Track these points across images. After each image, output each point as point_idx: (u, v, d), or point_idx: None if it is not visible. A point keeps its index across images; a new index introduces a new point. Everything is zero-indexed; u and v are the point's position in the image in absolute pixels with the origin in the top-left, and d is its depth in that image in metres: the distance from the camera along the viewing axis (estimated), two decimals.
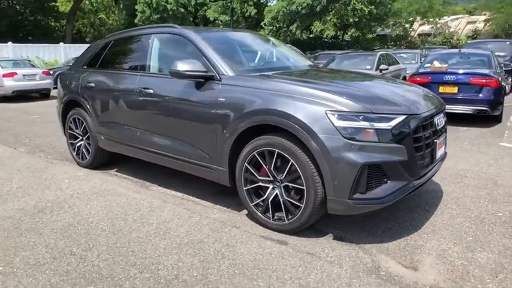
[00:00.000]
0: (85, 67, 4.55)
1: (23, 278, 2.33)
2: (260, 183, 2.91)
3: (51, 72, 13.87)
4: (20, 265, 2.47)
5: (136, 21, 31.02)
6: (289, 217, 2.77)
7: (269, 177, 2.86)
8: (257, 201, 2.95)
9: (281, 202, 2.80)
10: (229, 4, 28.90)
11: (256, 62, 3.75)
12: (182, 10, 28.29)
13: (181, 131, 3.33)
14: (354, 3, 23.79)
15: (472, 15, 26.38)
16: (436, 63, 6.82)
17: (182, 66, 3.09)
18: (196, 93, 3.17)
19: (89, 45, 5.01)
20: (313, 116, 2.52)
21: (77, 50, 23.02)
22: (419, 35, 28.40)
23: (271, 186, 2.87)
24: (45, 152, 5.51)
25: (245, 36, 4.20)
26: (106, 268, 2.42)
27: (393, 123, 2.50)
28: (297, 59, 4.13)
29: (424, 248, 2.65)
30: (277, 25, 27.17)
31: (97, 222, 3.08)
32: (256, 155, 2.84)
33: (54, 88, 14.24)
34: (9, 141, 6.27)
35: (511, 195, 3.55)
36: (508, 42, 11.68)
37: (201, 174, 3.35)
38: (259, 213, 2.93)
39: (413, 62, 12.18)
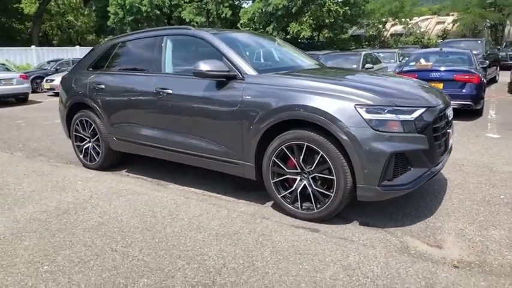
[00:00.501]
0: (91, 69, 4.54)
1: (72, 274, 2.37)
2: (288, 176, 3.06)
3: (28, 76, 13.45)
4: (64, 263, 2.50)
5: (109, 23, 30.42)
6: (318, 206, 2.94)
7: (297, 169, 3.01)
8: (284, 193, 3.10)
9: (310, 192, 2.96)
10: (204, 5, 28.88)
11: (272, 61, 3.90)
12: (157, 12, 27.97)
13: (205, 129, 3.42)
14: (328, 5, 24.40)
15: (440, 15, 27.66)
16: (422, 61, 7.21)
17: (205, 66, 3.20)
18: (219, 93, 3.28)
19: (91, 48, 4.99)
20: (343, 110, 2.70)
21: (50, 53, 22.42)
22: (391, 35, 29.46)
23: (298, 178, 3.03)
24: (44, 156, 5.43)
25: (255, 37, 4.34)
26: (152, 262, 2.49)
27: (415, 114, 2.71)
28: (306, 59, 4.31)
29: (443, 228, 2.89)
30: (254, 26, 27.42)
31: (127, 220, 3.13)
32: (285, 149, 2.99)
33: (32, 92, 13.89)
34: (2, 147, 6.11)
35: (507, 180, 3.87)
36: (479, 41, 12.40)
37: (225, 170, 3.46)
38: (288, 204, 3.08)
39: (392, 61, 12.69)
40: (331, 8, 24.61)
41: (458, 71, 6.78)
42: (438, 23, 28.24)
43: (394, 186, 2.72)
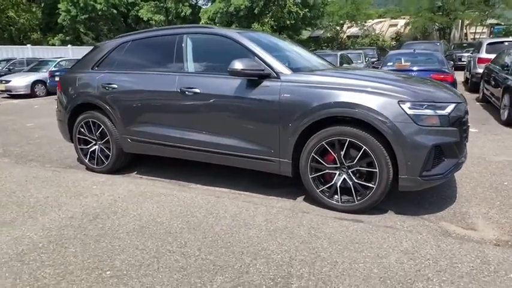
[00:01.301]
0: (96, 68, 4.36)
1: (141, 278, 2.32)
2: (327, 171, 3.19)
3: None
4: (125, 267, 2.43)
5: (59, 20, 28.75)
6: (359, 198, 3.10)
7: (336, 164, 3.15)
8: (323, 188, 3.22)
9: (351, 185, 3.10)
10: (162, 4, 28.26)
11: (296, 60, 3.99)
12: (113, 11, 26.90)
13: (238, 127, 3.44)
14: (289, 6, 24.95)
15: (393, 18, 29.40)
16: (400, 62, 7.68)
17: (240, 65, 3.24)
18: (253, 91, 3.33)
19: (93, 46, 4.77)
20: (388, 106, 2.88)
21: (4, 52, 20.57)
22: (348, 36, 30.73)
23: (337, 172, 3.16)
24: (37, 161, 5.11)
25: (270, 37, 4.42)
26: (218, 260, 2.49)
27: (448, 109, 2.95)
28: (318, 58, 4.46)
29: (469, 213, 3.17)
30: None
31: (168, 222, 3.08)
32: (325, 145, 3.11)
33: None
34: None
35: (503, 168, 4.29)
36: (438, 43, 13.39)
37: (258, 168, 3.51)
38: (327, 198, 3.21)
39: (359, 61, 13.29)
40: (292, 10, 25.20)
41: (434, 71, 7.31)
42: (391, 25, 30.00)
43: (432, 176, 2.94)
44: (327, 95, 3.05)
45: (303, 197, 3.58)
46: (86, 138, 4.44)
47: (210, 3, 29.59)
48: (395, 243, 2.66)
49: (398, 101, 2.88)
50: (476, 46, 12.38)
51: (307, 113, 3.10)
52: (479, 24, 24.21)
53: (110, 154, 4.30)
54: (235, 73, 3.27)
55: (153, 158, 4.69)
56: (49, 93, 13.80)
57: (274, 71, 3.30)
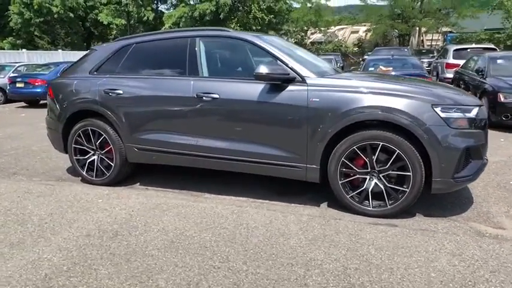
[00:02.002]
0: (95, 73, 4.06)
1: None
2: (357, 176, 3.16)
3: None
4: (171, 286, 2.24)
5: (12, 24, 26.91)
6: (391, 202, 3.09)
7: (366, 168, 3.13)
8: (352, 194, 3.18)
9: (383, 190, 3.09)
10: (124, 8, 27.37)
11: (315, 64, 3.92)
12: (71, 14, 25.59)
13: (261, 134, 3.33)
14: (255, 12, 25.10)
15: (354, 25, 30.48)
16: (383, 67, 7.92)
17: (266, 69, 3.14)
18: (279, 96, 3.23)
19: (89, 49, 4.44)
20: (421, 110, 2.90)
21: None
22: (312, 42, 31.43)
23: (368, 177, 3.14)
24: (21, 175, 4.66)
25: (284, 41, 4.35)
26: (270, 273, 2.37)
27: (474, 112, 3.03)
28: (325, 62, 4.45)
29: (492, 212, 3.27)
30: None
31: (198, 235, 2.90)
32: (357, 150, 3.08)
33: None
34: None
35: (501, 168, 4.50)
36: (405, 49, 14.01)
37: (282, 174, 3.41)
38: (357, 204, 3.17)
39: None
40: (257, 15, 25.36)
41: (415, 75, 7.61)
42: (352, 32, 31.08)
43: (462, 178, 3.00)
44: (359, 99, 3.02)
45: (326, 203, 3.53)
46: (84, 148, 4.11)
47: (172, 8, 29.08)
48: (439, 245, 2.67)
49: (432, 105, 2.92)
50: (441, 52, 13.09)
51: (338, 118, 3.05)
52: (434, 31, 25.80)
53: (113, 164, 4.01)
54: (262, 77, 3.16)
55: (152, 168, 4.47)
56: (8, 100, 12.82)
57: (299, 75, 3.24)
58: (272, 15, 25.79)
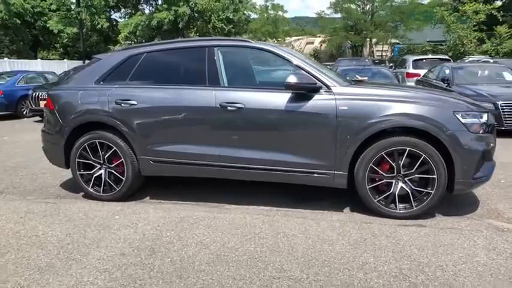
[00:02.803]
0: (102, 83, 3.86)
1: None
2: (385, 180, 3.29)
3: None
4: None
5: None
6: (416, 204, 3.26)
7: (392, 173, 3.28)
8: (379, 198, 3.31)
9: (409, 193, 3.25)
10: (76, 15, 26.08)
11: (333, 73, 4.01)
12: (17, 20, 23.87)
13: (289, 142, 3.37)
14: (214, 22, 25.14)
15: (309, 36, 31.56)
16: (359, 76, 8.30)
17: (295, 78, 3.21)
18: (306, 105, 3.30)
19: (92, 58, 4.19)
20: (445, 116, 3.11)
21: None
22: None
23: (394, 181, 3.29)
24: (11, 193, 4.31)
25: (296, 51, 4.43)
26: (332, 279, 2.39)
27: (485, 118, 3.30)
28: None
29: (499, 209, 3.57)
30: (136, 40, 26.15)
31: (240, 247, 2.84)
32: (384, 155, 3.22)
33: None
34: None
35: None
36: (366, 60, 14.76)
37: (310, 182, 3.47)
38: (384, 207, 3.31)
39: None
40: (217, 25, 25.43)
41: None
42: (308, 43, 32.15)
43: (480, 178, 3.25)
44: (387, 107, 3.17)
45: (348, 208, 3.64)
46: (89, 162, 3.88)
47: (127, 17, 28.24)
48: (471, 242, 2.86)
49: (453, 111, 3.14)
50: (399, 62, 13.98)
51: (367, 125, 3.18)
52: (384, 43, 27.51)
53: (124, 178, 3.82)
54: (291, 87, 3.22)
55: (158, 182, 4.33)
56: None
57: (325, 85, 3.33)
58: (231, 26, 26.00)
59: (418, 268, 2.51)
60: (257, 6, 29.11)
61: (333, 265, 2.56)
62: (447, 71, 8.49)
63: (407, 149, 3.17)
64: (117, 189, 3.86)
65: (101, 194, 3.91)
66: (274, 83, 3.73)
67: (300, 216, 3.44)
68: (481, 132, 3.21)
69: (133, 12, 28.05)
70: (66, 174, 4.97)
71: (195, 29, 25.21)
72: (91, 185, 3.92)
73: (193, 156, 3.60)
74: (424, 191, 3.24)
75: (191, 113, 3.55)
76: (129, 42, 26.15)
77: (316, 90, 3.31)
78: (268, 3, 29.35)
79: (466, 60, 13.76)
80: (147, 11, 28.12)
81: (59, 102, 3.92)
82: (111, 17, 29.79)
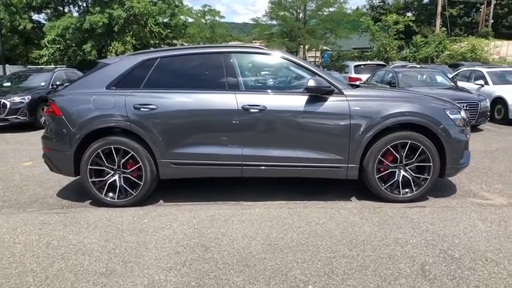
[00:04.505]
0: (113, 88, 3.83)
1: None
2: (390, 170, 3.80)
3: None
4: (308, 277, 2.48)
5: None
6: (415, 188, 3.82)
7: (396, 163, 3.80)
8: (386, 186, 3.81)
9: (410, 179, 3.80)
10: None
11: (337, 77, 4.41)
12: None
13: (309, 140, 3.71)
14: (151, 26, 24.54)
15: (251, 42, 32.20)
16: None
17: (314, 82, 3.59)
18: (324, 106, 3.68)
19: (97, 63, 4.08)
20: (438, 113, 3.72)
21: None
22: None
23: (396, 171, 3.82)
24: (6, 207, 4.01)
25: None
26: (393, 255, 2.78)
27: (463, 113, 3.98)
28: None
29: (472, 190, 4.31)
30: (65, 44, 24.47)
31: (285, 236, 3.10)
32: (390, 148, 3.73)
33: None
34: None
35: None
36: None
37: (326, 175, 3.85)
38: (389, 193, 3.82)
39: None
40: (154, 29, 24.85)
41: None
42: None
43: (463, 164, 3.91)
44: (393, 106, 3.68)
45: (354, 197, 4.09)
46: (103, 168, 3.82)
47: (54, 18, 26.21)
48: (467, 216, 3.46)
49: (444, 109, 3.76)
50: (339, 67, 15.14)
51: (376, 122, 3.65)
52: (316, 49, 29.32)
53: (141, 183, 3.83)
54: (312, 90, 3.58)
55: (164, 185, 4.39)
56: None
57: (337, 88, 3.74)
58: (169, 30, 25.61)
59: (439, 238, 3.02)
60: (193, 11, 29.22)
61: (373, 243, 2.96)
62: (390, 75, 9.55)
63: (409, 141, 3.72)
64: (134, 194, 3.86)
65: (116, 200, 3.87)
66: (289, 87, 4.06)
67: (319, 206, 3.79)
68: (462, 125, 3.87)
69: (58, 14, 26.15)
70: (53, 184, 4.79)
71: (131, 33, 24.34)
72: (104, 192, 3.86)
73: (215, 157, 3.76)
74: (421, 177, 3.82)
75: (214, 116, 3.71)
76: (58, 46, 24.39)
77: (330, 92, 3.71)
78: (205, 9, 29.52)
79: (391, 66, 15.40)
80: (75, 14, 26.44)
81: (67, 108, 3.79)
82: (36, 19, 27.46)
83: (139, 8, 23.17)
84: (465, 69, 11.82)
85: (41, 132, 4.17)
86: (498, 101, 9.03)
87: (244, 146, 3.75)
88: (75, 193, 4.44)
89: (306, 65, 3.87)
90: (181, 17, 27.48)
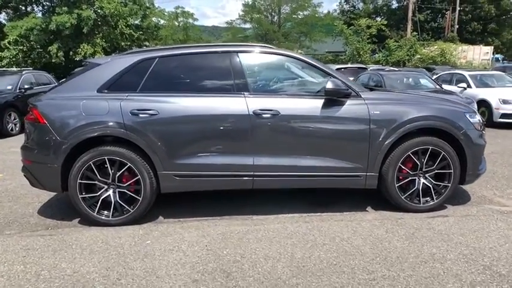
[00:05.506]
0: (106, 91, 3.39)
1: None
2: (410, 178, 3.58)
3: None
4: None
5: None
6: (436, 197, 3.62)
7: (415, 170, 3.58)
8: (404, 195, 3.58)
9: (431, 187, 3.59)
10: None
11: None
12: None
13: (327, 147, 3.42)
14: (121, 28, 23.63)
15: None
16: None
17: (333, 85, 3.32)
18: (342, 110, 3.40)
19: (85, 63, 3.59)
20: (460, 117, 3.53)
21: None
22: None
23: (417, 178, 3.60)
24: None
25: None
26: (436, 274, 2.53)
27: (478, 117, 3.83)
28: None
29: (487, 196, 4.17)
30: (29, 45, 23.10)
31: (311, 256, 2.80)
32: (411, 155, 3.50)
33: None
34: None
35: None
36: None
37: (343, 185, 3.58)
38: (410, 202, 3.59)
39: None
40: (125, 31, 23.94)
41: None
42: None
43: (480, 170, 3.75)
44: (412, 111, 3.46)
45: (369, 207, 3.84)
46: (95, 183, 3.37)
47: (16, 18, 24.70)
48: (494, 225, 3.28)
49: (464, 112, 3.59)
50: None
51: (397, 127, 3.41)
52: None
53: (139, 198, 3.40)
54: (331, 93, 3.31)
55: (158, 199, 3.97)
56: None
57: (354, 90, 3.48)
58: (141, 32, 24.74)
59: (476, 252, 2.80)
60: (166, 13, 28.40)
61: (409, 260, 2.71)
62: (378, 78, 9.51)
63: (430, 147, 3.51)
64: (131, 211, 3.42)
65: (110, 218, 3.42)
66: (303, 90, 3.76)
67: (337, 219, 3.51)
68: (480, 129, 3.72)
69: (20, 14, 24.68)
70: (31, 199, 4.27)
71: (101, 34, 23.29)
72: (97, 209, 3.40)
73: (223, 167, 3.40)
74: (441, 185, 3.62)
75: (222, 122, 3.35)
76: (21, 47, 23.00)
77: (348, 95, 3.44)
78: (178, 10, 28.80)
79: (369, 69, 15.54)
80: (39, 14, 25.08)
81: (52, 114, 3.31)
82: None
83: (109, 9, 22.20)
84: (447, 72, 12.02)
85: (9, 140, 3.68)
86: (482, 104, 9.16)
87: (255, 155, 3.40)
88: (59, 210, 3.94)
89: (320, 66, 3.59)
90: (154, 18, 26.66)
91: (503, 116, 8.87)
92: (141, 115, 3.29)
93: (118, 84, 3.42)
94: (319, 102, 3.42)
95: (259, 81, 3.61)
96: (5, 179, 5.17)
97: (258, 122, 3.35)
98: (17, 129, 8.91)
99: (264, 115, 3.35)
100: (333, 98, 3.41)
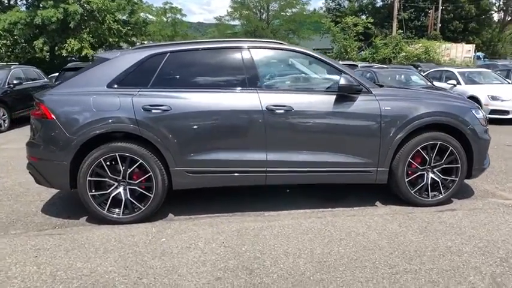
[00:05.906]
0: (116, 86, 3.32)
1: None
2: (419, 172, 3.63)
3: None
4: None
5: None
6: (444, 191, 3.68)
7: (424, 165, 3.63)
8: (415, 189, 3.62)
9: (439, 182, 3.65)
10: None
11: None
12: None
13: (340, 142, 3.44)
14: (109, 23, 23.19)
15: None
16: None
17: (346, 81, 3.33)
18: (354, 106, 3.42)
19: (96, 58, 3.50)
20: (467, 113, 3.60)
21: None
22: None
23: (425, 173, 3.65)
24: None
25: None
26: (456, 267, 2.57)
27: (482, 112, 3.91)
28: None
29: (488, 190, 4.26)
30: (13, 40, 22.45)
31: (331, 251, 2.81)
32: (420, 150, 3.55)
33: None
34: None
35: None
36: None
37: (355, 180, 3.61)
38: (419, 196, 3.64)
39: None
40: (112, 27, 23.50)
41: None
42: None
43: (485, 165, 3.83)
44: (422, 106, 3.50)
45: (378, 202, 3.88)
46: (105, 180, 3.30)
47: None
48: (503, 218, 3.35)
49: (470, 108, 3.65)
50: None
51: (407, 123, 3.45)
52: None
53: (151, 195, 3.35)
54: (343, 88, 3.32)
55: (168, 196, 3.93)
56: None
57: (365, 87, 3.50)
58: (128, 27, 24.33)
59: (491, 244, 2.86)
60: (154, 9, 28.00)
61: (427, 253, 2.74)
62: (370, 75, 9.60)
63: (439, 143, 3.56)
64: (142, 208, 3.36)
65: (121, 216, 3.35)
66: (315, 86, 3.77)
67: (349, 214, 3.53)
68: (485, 124, 3.79)
69: (2, 7, 23.94)
70: (32, 198, 4.17)
71: (88, 29, 22.79)
72: (107, 207, 3.33)
73: (237, 163, 3.37)
74: (448, 179, 3.68)
75: (236, 117, 3.33)
76: (4, 41, 22.34)
77: (359, 91, 3.46)
78: (166, 6, 28.39)
79: (359, 66, 15.70)
80: (23, 8, 24.38)
81: (61, 109, 3.22)
82: None
83: (97, 4, 21.74)
84: (435, 69, 12.24)
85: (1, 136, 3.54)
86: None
87: (268, 151, 3.39)
88: (64, 208, 3.85)
89: (331, 62, 3.60)
90: (142, 14, 26.27)
91: (493, 112, 9.08)
92: (153, 111, 3.24)
93: (128, 80, 3.35)
94: (331, 98, 3.42)
95: (272, 77, 3.61)
96: (0, 177, 5.02)
97: (271, 118, 3.34)
98: (5, 125, 8.66)
99: (277, 111, 3.33)
100: (345, 94, 3.43)
